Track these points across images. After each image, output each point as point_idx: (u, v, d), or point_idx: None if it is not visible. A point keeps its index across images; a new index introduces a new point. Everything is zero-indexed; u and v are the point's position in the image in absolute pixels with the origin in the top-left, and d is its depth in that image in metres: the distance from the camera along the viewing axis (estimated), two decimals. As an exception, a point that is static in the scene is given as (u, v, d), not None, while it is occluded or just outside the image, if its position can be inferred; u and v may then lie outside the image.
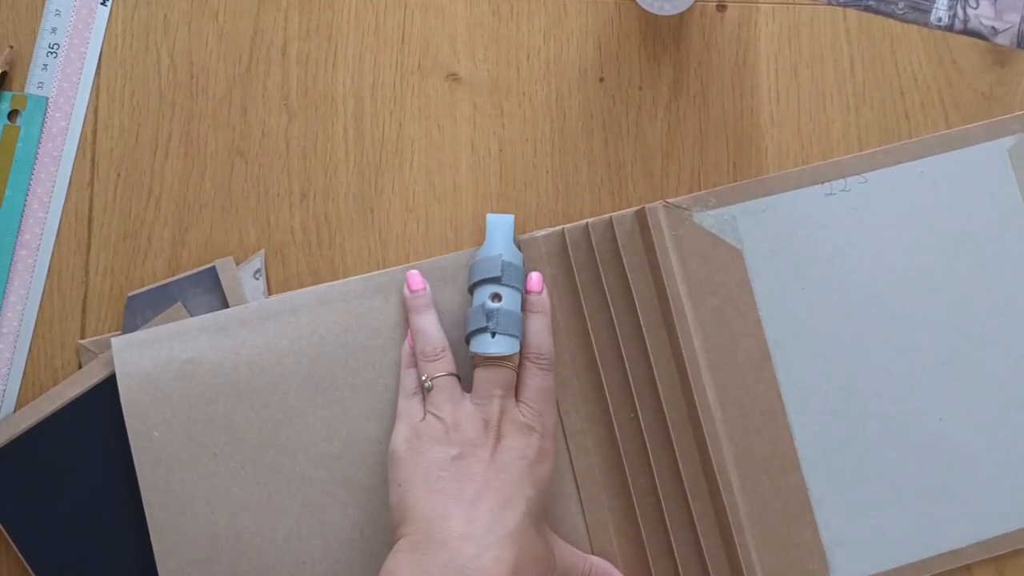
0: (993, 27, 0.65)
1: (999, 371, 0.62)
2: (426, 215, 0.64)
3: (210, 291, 0.62)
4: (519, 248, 0.61)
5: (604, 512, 0.60)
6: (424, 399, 0.59)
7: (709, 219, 0.63)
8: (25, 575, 0.60)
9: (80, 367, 0.62)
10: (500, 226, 0.61)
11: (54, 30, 0.65)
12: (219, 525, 0.59)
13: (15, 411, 0.62)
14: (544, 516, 0.58)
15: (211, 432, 0.60)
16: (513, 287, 0.59)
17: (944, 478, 0.61)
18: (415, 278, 0.61)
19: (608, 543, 0.60)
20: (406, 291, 0.61)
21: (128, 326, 0.62)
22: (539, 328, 0.60)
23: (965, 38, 0.65)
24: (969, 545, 0.61)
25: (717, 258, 0.62)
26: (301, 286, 0.63)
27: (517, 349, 0.58)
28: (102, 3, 0.65)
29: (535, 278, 0.61)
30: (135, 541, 0.60)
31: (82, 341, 0.62)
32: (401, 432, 0.58)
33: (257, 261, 0.63)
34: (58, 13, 0.65)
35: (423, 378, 0.59)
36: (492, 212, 0.64)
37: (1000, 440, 0.62)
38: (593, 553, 0.60)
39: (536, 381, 0.58)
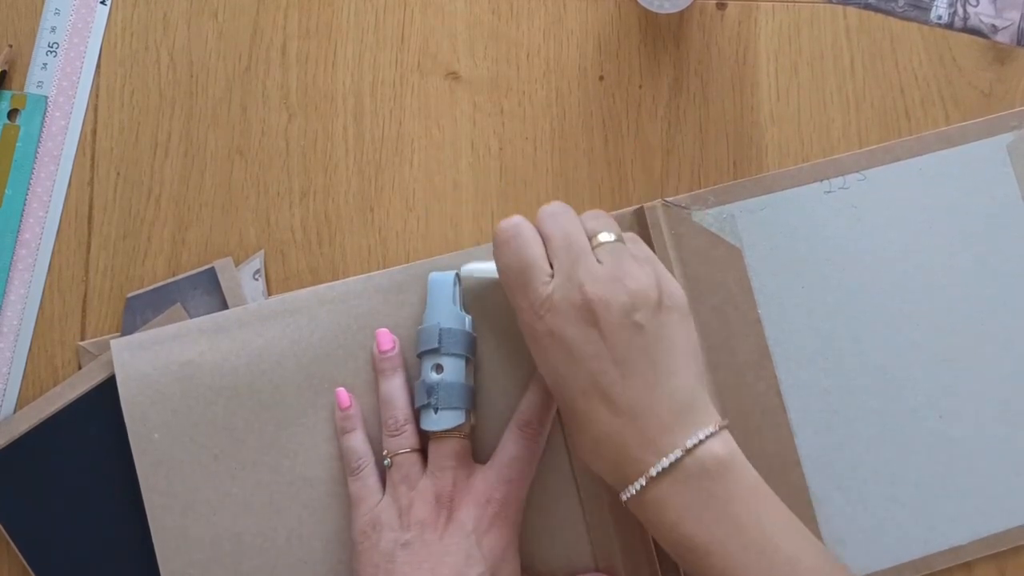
0: (993, 25, 0.65)
1: (998, 368, 0.62)
2: (426, 214, 0.64)
3: (209, 292, 0.62)
4: (466, 308, 0.60)
5: (604, 511, 0.60)
6: (365, 473, 0.58)
7: (708, 218, 0.63)
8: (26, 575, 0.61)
9: (80, 367, 0.62)
10: (439, 288, 0.59)
11: (53, 29, 0.65)
12: (220, 526, 0.59)
13: (15, 409, 0.62)
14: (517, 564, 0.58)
15: (211, 434, 0.60)
16: (455, 355, 0.58)
17: (944, 475, 0.61)
18: (385, 337, 0.60)
19: (609, 542, 0.60)
20: (375, 349, 0.60)
21: (127, 327, 0.62)
22: (538, 397, 0.58)
23: (965, 36, 0.65)
24: (970, 542, 0.61)
25: (716, 257, 0.62)
26: (301, 285, 0.63)
27: (462, 420, 0.57)
28: (101, 2, 0.65)
29: None
30: (136, 542, 0.60)
31: (82, 343, 0.62)
32: (357, 523, 0.57)
33: (256, 262, 0.63)
34: (57, 12, 0.65)
35: (384, 453, 0.58)
36: (436, 267, 0.61)
37: (1000, 437, 0.62)
38: (594, 552, 0.60)
39: (515, 449, 0.57)
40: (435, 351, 0.57)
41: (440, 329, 0.58)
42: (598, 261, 0.53)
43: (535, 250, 0.54)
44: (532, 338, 0.53)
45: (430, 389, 0.57)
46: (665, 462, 0.50)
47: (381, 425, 0.59)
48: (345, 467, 0.59)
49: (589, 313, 0.51)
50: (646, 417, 0.51)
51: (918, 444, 0.62)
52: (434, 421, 0.57)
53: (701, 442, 0.51)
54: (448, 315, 0.58)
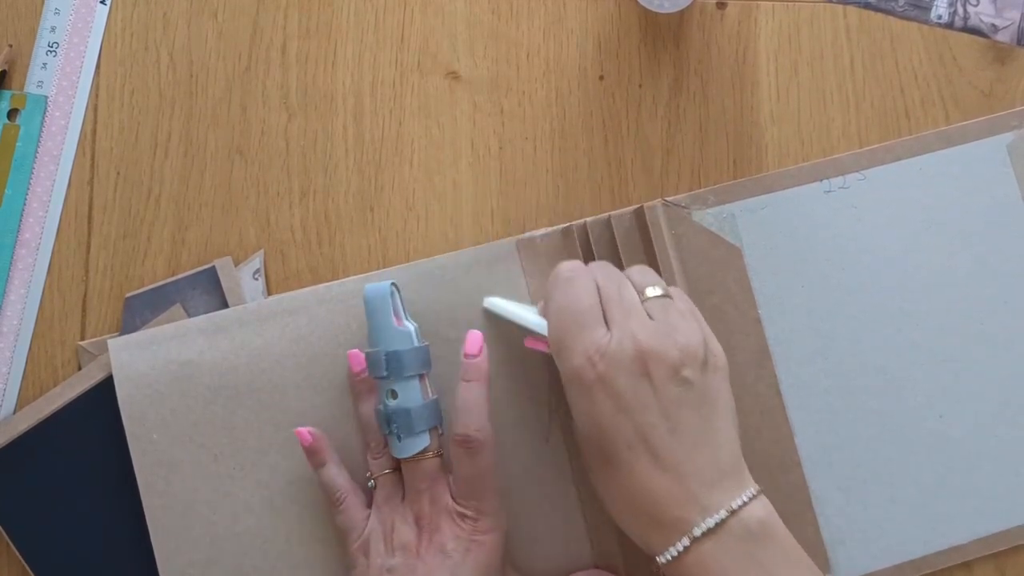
0: (993, 24, 0.65)
1: (998, 368, 0.62)
2: (426, 213, 0.64)
3: (209, 292, 0.62)
4: (410, 317, 0.58)
5: (605, 511, 0.60)
6: (347, 505, 0.57)
7: (708, 217, 0.63)
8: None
9: (80, 367, 0.62)
10: (376, 306, 0.57)
11: (53, 29, 0.65)
12: (220, 527, 0.59)
13: (15, 409, 0.62)
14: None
15: (211, 434, 0.60)
16: (406, 377, 0.56)
17: (944, 475, 0.61)
18: (356, 358, 0.59)
19: (609, 542, 0.60)
20: (350, 371, 0.59)
21: (127, 327, 0.62)
22: (469, 401, 0.56)
23: (965, 35, 0.65)
24: (969, 542, 0.61)
25: (716, 256, 0.62)
26: (301, 285, 0.63)
27: (426, 443, 0.56)
28: (101, 2, 0.65)
29: (472, 339, 0.57)
30: (135, 542, 0.60)
31: (81, 343, 0.62)
32: (349, 550, 0.57)
33: (256, 261, 0.63)
34: (57, 12, 0.65)
35: (367, 475, 0.58)
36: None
37: (1000, 436, 0.62)
38: (594, 552, 0.60)
39: (463, 468, 0.55)
40: (385, 379, 0.56)
41: (385, 355, 0.56)
42: (648, 315, 0.53)
43: (595, 296, 0.53)
44: (580, 385, 0.51)
45: (387, 419, 0.56)
46: (711, 521, 0.49)
47: (364, 444, 0.59)
48: (327, 501, 0.58)
49: (642, 364, 0.50)
50: (692, 474, 0.50)
51: (918, 444, 0.62)
52: (399, 448, 0.56)
53: (745, 504, 0.50)
54: (391, 336, 0.56)
